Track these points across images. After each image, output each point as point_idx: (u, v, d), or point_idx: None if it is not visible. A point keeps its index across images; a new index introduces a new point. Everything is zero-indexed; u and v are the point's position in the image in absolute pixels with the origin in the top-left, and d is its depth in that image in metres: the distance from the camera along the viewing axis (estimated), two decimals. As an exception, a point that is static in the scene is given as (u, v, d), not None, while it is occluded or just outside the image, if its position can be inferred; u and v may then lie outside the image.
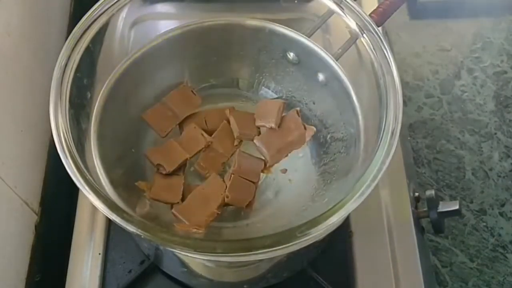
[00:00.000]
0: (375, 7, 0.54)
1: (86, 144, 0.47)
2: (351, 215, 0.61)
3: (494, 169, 1.20)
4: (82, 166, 0.42)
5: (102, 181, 0.46)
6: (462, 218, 1.13)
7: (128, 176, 0.52)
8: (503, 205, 1.17)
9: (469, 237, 1.13)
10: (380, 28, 0.50)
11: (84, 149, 0.46)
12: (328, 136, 0.55)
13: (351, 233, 0.60)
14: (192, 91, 0.58)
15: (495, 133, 1.21)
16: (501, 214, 1.16)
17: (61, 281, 0.57)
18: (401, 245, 0.59)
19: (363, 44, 0.50)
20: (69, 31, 0.50)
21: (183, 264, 0.56)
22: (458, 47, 1.32)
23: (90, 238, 0.59)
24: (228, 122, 0.57)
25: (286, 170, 0.56)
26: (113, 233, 0.60)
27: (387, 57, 0.47)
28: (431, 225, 0.61)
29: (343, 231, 0.60)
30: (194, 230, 0.48)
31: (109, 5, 0.49)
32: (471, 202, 1.16)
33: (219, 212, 0.50)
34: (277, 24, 0.56)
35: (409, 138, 1.16)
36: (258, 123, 0.56)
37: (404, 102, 0.99)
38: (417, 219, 0.61)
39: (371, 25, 0.49)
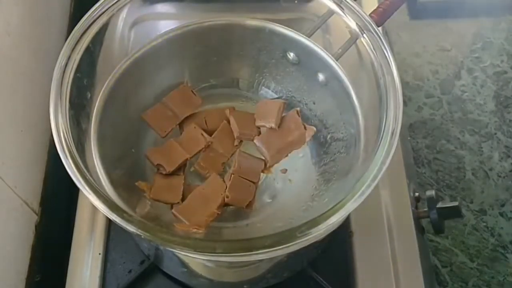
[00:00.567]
0: (375, 7, 0.54)
1: (86, 144, 0.47)
2: (351, 215, 0.61)
3: (494, 169, 1.20)
4: (82, 166, 0.42)
5: (102, 181, 0.46)
6: (462, 218, 1.13)
7: (128, 176, 0.52)
8: (503, 205, 1.17)
9: (469, 237, 1.13)
10: (380, 28, 0.50)
11: (84, 149, 0.46)
12: (328, 136, 0.55)
13: (351, 233, 0.60)
14: (192, 91, 0.58)
15: (495, 133, 1.21)
16: (501, 214, 1.16)
17: (61, 281, 0.57)
18: (401, 245, 0.59)
19: (363, 44, 0.50)
20: (69, 31, 0.50)
21: (183, 264, 0.56)
22: (458, 47, 1.32)
23: (90, 238, 0.59)
24: (228, 122, 0.57)
25: (286, 170, 0.56)
26: (113, 233, 0.60)
27: (387, 57, 0.47)
28: (431, 225, 0.61)
29: (343, 231, 0.60)
30: (194, 230, 0.48)
31: (109, 5, 0.49)
32: (471, 202, 1.17)
33: (219, 212, 0.50)
34: (277, 24, 0.56)
35: (409, 138, 1.16)
36: (258, 123, 0.56)
37: (404, 102, 0.99)
38: (417, 219, 0.61)
39: (371, 25, 0.49)
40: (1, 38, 0.55)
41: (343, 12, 0.51)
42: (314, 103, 0.58)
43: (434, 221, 0.59)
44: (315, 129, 0.55)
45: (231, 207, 0.53)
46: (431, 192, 0.55)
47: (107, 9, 0.49)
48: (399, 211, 0.61)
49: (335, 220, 0.39)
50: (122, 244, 0.59)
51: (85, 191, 0.40)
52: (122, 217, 0.39)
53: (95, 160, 0.47)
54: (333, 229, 0.41)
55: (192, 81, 0.59)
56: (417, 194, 0.64)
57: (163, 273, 0.58)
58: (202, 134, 0.55)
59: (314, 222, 0.39)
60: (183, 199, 0.51)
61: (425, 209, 0.61)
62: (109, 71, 0.52)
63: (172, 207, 0.51)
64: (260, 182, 0.55)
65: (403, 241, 0.59)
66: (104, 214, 0.40)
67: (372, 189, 0.41)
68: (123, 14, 0.51)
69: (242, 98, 0.61)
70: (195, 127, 0.56)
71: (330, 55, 0.53)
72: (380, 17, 0.53)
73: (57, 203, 0.63)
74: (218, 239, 0.51)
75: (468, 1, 1.41)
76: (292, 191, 0.55)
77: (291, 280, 0.57)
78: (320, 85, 0.56)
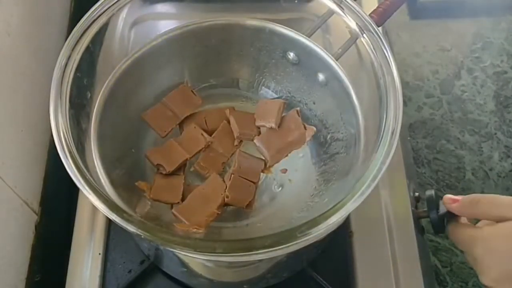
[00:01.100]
0: (375, 7, 0.54)
1: (86, 144, 0.47)
2: (351, 215, 0.61)
3: (494, 169, 1.20)
4: (82, 166, 0.42)
5: (102, 181, 0.46)
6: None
7: (128, 176, 0.52)
8: (503, 205, 1.17)
9: (469, 237, 1.12)
10: (380, 28, 0.50)
11: (84, 149, 0.46)
12: (328, 136, 0.55)
13: (351, 233, 0.60)
14: (192, 91, 0.58)
15: (495, 133, 1.21)
16: (501, 214, 1.16)
17: (61, 281, 0.57)
18: (401, 245, 0.59)
19: (363, 44, 0.49)
20: (69, 31, 0.50)
21: (183, 264, 0.56)
22: (458, 47, 1.32)
23: (90, 238, 0.59)
24: (228, 122, 0.57)
25: (286, 170, 0.56)
26: (113, 233, 0.60)
27: (387, 57, 0.47)
28: (431, 225, 0.61)
29: (343, 231, 0.60)
30: (194, 230, 0.48)
31: (109, 5, 0.49)
32: (471, 202, 1.16)
33: (219, 212, 0.50)
34: (277, 24, 0.56)
35: (409, 138, 1.15)
36: (258, 123, 0.56)
37: (404, 102, 0.99)
38: (417, 219, 0.61)
39: (371, 25, 0.49)
40: (1, 38, 0.55)
41: (343, 12, 0.51)
42: (314, 103, 0.58)
43: (434, 221, 0.59)
44: (315, 129, 0.55)
45: (231, 207, 0.53)
46: (431, 192, 0.55)
47: (107, 9, 0.49)
48: (399, 211, 0.61)
49: (335, 220, 0.39)
50: (122, 244, 0.59)
51: (85, 191, 0.40)
52: (122, 217, 0.39)
53: (95, 160, 0.47)
54: (333, 229, 0.41)
55: (192, 81, 0.59)
56: (417, 194, 0.64)
57: (163, 273, 0.58)
58: (202, 134, 0.55)
59: (314, 222, 0.39)
60: (183, 199, 0.51)
61: (425, 209, 0.61)
62: (109, 71, 0.52)
63: (172, 207, 0.51)
64: (260, 182, 0.55)
65: (403, 241, 0.59)
66: (104, 214, 0.40)
67: (372, 189, 0.40)
68: (123, 14, 0.51)
69: (242, 98, 0.61)
70: (195, 127, 0.56)
71: (330, 55, 0.53)
72: (380, 17, 0.53)
73: (57, 203, 0.63)
74: (218, 239, 0.51)
75: (468, 1, 1.41)
76: (292, 191, 0.55)
77: (291, 280, 0.57)
78: (320, 85, 0.56)
